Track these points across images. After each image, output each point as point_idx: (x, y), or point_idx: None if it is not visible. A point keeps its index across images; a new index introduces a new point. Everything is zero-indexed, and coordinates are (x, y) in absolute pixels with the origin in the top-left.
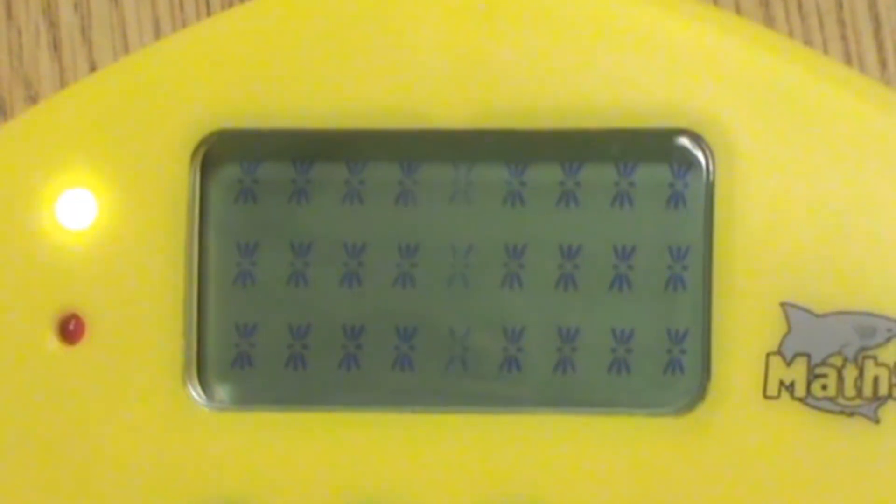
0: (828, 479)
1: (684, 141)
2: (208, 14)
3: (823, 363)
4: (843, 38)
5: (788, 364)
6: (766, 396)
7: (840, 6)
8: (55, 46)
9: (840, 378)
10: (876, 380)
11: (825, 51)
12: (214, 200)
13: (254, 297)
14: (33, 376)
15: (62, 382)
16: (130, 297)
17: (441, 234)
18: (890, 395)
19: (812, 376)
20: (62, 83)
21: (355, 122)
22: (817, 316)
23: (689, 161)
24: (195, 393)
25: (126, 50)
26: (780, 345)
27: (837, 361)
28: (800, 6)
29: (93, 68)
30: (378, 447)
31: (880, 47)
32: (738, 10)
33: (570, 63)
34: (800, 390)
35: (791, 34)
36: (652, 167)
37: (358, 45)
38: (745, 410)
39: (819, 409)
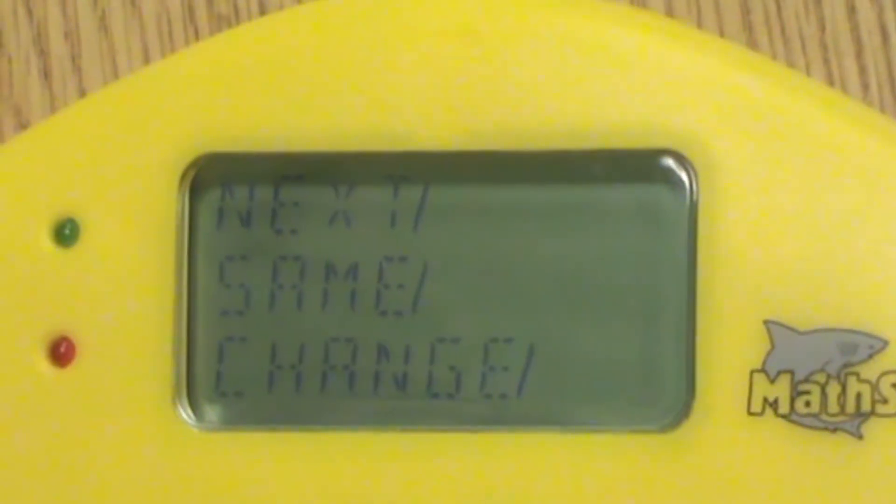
0: (812, 495)
1: (668, 161)
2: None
3: (807, 380)
4: (826, 61)
5: (772, 381)
6: (749, 413)
7: (823, 29)
8: (46, 75)
9: (823, 394)
10: (859, 396)
11: (808, 74)
12: (202, 223)
13: (242, 319)
14: (24, 399)
15: (53, 405)
16: (120, 320)
17: (428, 255)
18: (873, 412)
19: (796, 393)
20: (53, 111)
21: (341, 145)
22: (800, 333)
23: (672, 181)
24: (185, 414)
25: (116, 78)
26: (764, 362)
27: (821, 378)
28: (783, 30)
29: (83, 96)
30: (367, 467)
31: (863, 70)
32: (721, 35)
33: (554, 85)
34: (783, 407)
35: (774, 57)
36: (635, 187)
37: (343, 68)
38: (730, 427)
39: (803, 425)
